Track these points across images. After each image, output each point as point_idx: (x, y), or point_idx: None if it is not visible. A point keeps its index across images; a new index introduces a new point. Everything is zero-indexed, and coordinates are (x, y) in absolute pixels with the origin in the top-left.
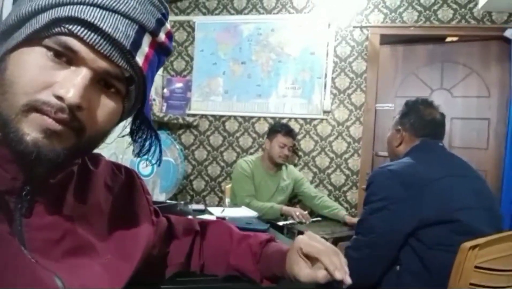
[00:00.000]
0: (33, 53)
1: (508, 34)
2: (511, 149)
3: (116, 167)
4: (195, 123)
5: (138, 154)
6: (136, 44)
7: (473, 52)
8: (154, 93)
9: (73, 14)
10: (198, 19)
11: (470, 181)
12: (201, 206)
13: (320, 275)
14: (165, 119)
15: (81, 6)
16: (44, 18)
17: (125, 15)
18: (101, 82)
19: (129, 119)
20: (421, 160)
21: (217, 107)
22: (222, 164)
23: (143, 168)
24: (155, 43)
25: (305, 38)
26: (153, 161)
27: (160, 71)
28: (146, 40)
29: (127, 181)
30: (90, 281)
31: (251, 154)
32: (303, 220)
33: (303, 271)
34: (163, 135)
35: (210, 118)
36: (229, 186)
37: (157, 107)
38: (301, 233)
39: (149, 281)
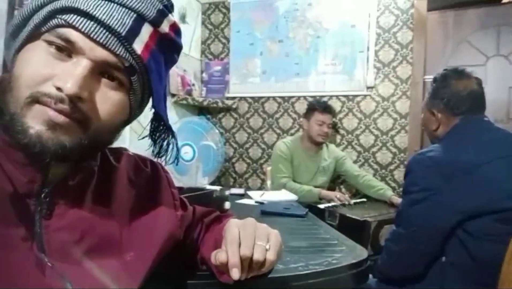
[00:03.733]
0: (35, 48)
1: None
2: None
3: (141, 161)
4: (234, 106)
5: (157, 155)
6: (133, 32)
7: None
8: (193, 78)
9: (68, 4)
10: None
11: None
12: (240, 191)
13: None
14: (205, 103)
15: None
16: (43, 12)
17: (121, 4)
18: (103, 74)
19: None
20: (463, 142)
21: (255, 89)
22: (263, 146)
23: (185, 153)
24: (157, 33)
25: (345, 10)
26: (170, 161)
27: (198, 55)
28: (146, 30)
29: (152, 175)
30: (105, 283)
31: (292, 134)
32: (345, 202)
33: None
34: (202, 120)
35: (249, 100)
36: (270, 168)
37: (197, 92)
38: (343, 216)
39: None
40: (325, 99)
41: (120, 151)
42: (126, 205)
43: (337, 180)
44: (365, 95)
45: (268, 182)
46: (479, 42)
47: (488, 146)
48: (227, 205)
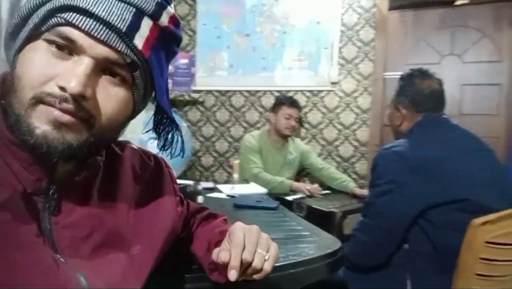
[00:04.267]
0: (36, 48)
1: None
2: None
3: (146, 155)
4: (200, 99)
5: (162, 148)
6: (134, 27)
7: (485, 15)
8: None
9: (66, 2)
10: None
11: (477, 154)
12: (210, 184)
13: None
14: (171, 96)
15: None
16: (41, 12)
17: None
18: (106, 71)
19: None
20: (426, 138)
21: (222, 82)
22: (230, 139)
23: (151, 146)
24: (157, 27)
25: (311, 7)
26: (176, 153)
27: None
28: (146, 24)
29: (156, 169)
30: (116, 277)
31: (258, 128)
32: (315, 194)
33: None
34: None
35: (215, 94)
36: (237, 161)
37: None
38: (310, 208)
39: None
40: (290, 94)
41: (124, 144)
42: (131, 198)
43: (301, 172)
44: (329, 91)
45: (235, 176)
46: (435, 41)
47: (448, 142)
48: (200, 199)
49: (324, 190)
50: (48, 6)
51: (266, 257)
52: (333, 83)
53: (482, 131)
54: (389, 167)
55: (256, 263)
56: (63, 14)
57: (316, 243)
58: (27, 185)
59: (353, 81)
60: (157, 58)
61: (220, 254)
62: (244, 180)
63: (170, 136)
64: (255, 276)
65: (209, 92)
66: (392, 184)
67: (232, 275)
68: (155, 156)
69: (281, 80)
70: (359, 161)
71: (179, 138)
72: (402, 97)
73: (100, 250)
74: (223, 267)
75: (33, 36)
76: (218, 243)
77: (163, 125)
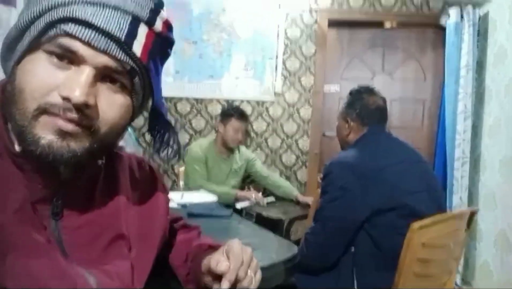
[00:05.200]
0: (36, 59)
1: (442, 22)
2: (442, 128)
3: (142, 161)
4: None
5: (158, 151)
6: (131, 35)
7: (411, 38)
8: None
9: (66, 14)
10: None
11: (414, 164)
12: None
13: (213, 263)
14: None
15: (73, 6)
16: (40, 23)
17: (116, 8)
18: (105, 79)
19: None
20: (370, 149)
21: (168, 88)
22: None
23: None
24: (152, 33)
25: (256, 19)
26: (172, 156)
27: None
28: (142, 31)
29: (150, 176)
30: (122, 279)
31: (204, 136)
32: (260, 202)
33: (211, 260)
34: None
35: None
36: (182, 168)
37: None
38: (259, 215)
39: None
40: (237, 103)
41: (120, 149)
42: (129, 201)
43: (246, 179)
44: (273, 101)
45: (181, 183)
46: (368, 59)
47: (389, 153)
48: None
49: (268, 196)
50: (47, 18)
51: (253, 281)
52: (277, 94)
53: (407, 142)
54: (339, 175)
55: (245, 283)
56: (63, 26)
57: (274, 249)
58: (32, 194)
59: (295, 93)
60: (154, 63)
61: (220, 265)
62: (189, 188)
63: (165, 138)
64: None
65: None
66: (342, 190)
67: (225, 285)
68: (148, 163)
69: (228, 89)
70: (301, 169)
71: (176, 141)
72: (350, 110)
73: (107, 252)
74: (215, 276)
75: (32, 47)
76: (195, 257)
77: (159, 128)
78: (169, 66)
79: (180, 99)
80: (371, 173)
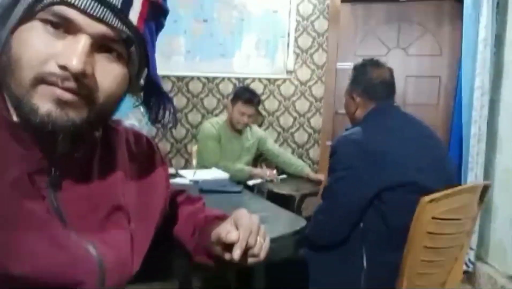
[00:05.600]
0: (31, 28)
1: None
2: (459, 105)
3: (138, 135)
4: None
5: (154, 121)
6: (128, 3)
7: (427, 11)
8: None
9: None
10: None
11: (423, 140)
12: (172, 170)
13: (223, 233)
14: None
15: None
16: None
17: None
18: (102, 48)
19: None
20: (379, 126)
21: (179, 68)
22: (187, 126)
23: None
24: (147, 1)
25: None
26: (169, 125)
27: None
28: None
29: (148, 150)
30: (122, 251)
31: (216, 115)
32: (274, 179)
33: (221, 230)
34: (125, 98)
35: (172, 79)
36: (195, 147)
37: None
38: (271, 192)
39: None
40: (248, 81)
41: (118, 122)
42: (127, 174)
43: (259, 158)
44: (285, 79)
45: (194, 162)
46: (383, 34)
47: (397, 129)
48: None
49: (280, 174)
50: None
51: (263, 246)
52: (289, 72)
53: (422, 119)
54: (346, 153)
55: (256, 249)
56: None
57: (283, 222)
58: (30, 164)
59: (308, 70)
60: (150, 33)
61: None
62: (203, 166)
63: (161, 108)
64: (251, 260)
65: (165, 77)
66: (349, 169)
67: (237, 254)
68: (146, 138)
69: (239, 67)
70: (313, 147)
71: (172, 109)
72: (355, 86)
73: (106, 223)
74: (225, 245)
75: (27, 16)
76: (202, 228)
77: (153, 98)
78: (180, 45)
79: (192, 78)
80: (378, 151)
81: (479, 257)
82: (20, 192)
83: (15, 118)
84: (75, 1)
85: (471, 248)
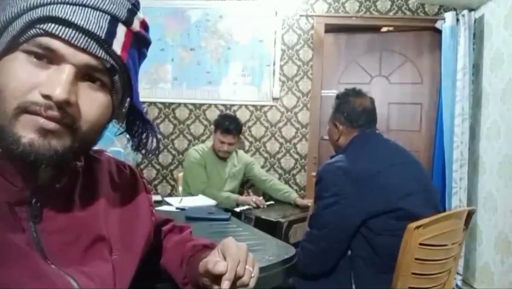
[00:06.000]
0: (15, 59)
1: (438, 26)
2: (440, 130)
3: (121, 164)
4: (145, 115)
5: (137, 148)
6: (111, 34)
7: (408, 41)
8: None
9: (45, 13)
10: (143, 3)
11: (407, 166)
12: (158, 197)
13: (210, 265)
14: None
15: (52, 5)
16: (18, 24)
17: (95, 8)
18: (85, 77)
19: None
20: (362, 152)
21: (166, 94)
22: (174, 152)
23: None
24: (130, 32)
25: (253, 25)
26: (152, 153)
27: None
28: (121, 30)
29: (131, 178)
30: (103, 281)
31: (203, 141)
32: (260, 206)
33: (208, 259)
34: (111, 124)
35: (159, 106)
36: (181, 174)
37: None
38: (258, 218)
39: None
40: (235, 107)
41: (100, 152)
42: (111, 205)
43: (245, 184)
44: (271, 106)
45: (180, 188)
46: (365, 63)
47: (382, 156)
48: None
49: (267, 200)
50: (26, 18)
51: (252, 275)
52: (275, 99)
53: (406, 145)
54: (332, 180)
55: (245, 279)
56: (42, 25)
57: (272, 250)
58: (10, 195)
59: (293, 97)
60: (133, 62)
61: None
62: (188, 193)
63: (144, 136)
64: None
65: (152, 104)
66: (336, 196)
67: (226, 285)
68: (129, 166)
69: (225, 95)
70: (299, 173)
71: (155, 138)
72: (338, 114)
73: (88, 255)
74: (214, 277)
75: (10, 48)
76: (190, 258)
77: (137, 126)
78: (167, 73)
79: (179, 105)
80: (364, 178)
81: (466, 282)
82: (0, 223)
83: None
84: (59, 33)
85: (458, 273)
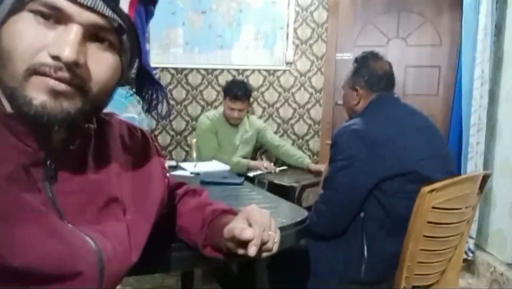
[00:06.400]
0: (22, 20)
1: None
2: (459, 94)
3: (132, 127)
4: (156, 77)
5: (148, 110)
6: None
7: (427, 1)
8: None
9: None
10: None
11: (423, 130)
12: (172, 162)
13: (237, 231)
14: None
15: None
16: None
17: None
18: (93, 38)
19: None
20: (379, 116)
21: (178, 60)
22: (187, 118)
23: None
24: None
25: None
26: (163, 114)
27: None
28: None
29: (143, 142)
30: (120, 242)
31: (216, 107)
32: (272, 171)
33: (233, 225)
34: (123, 90)
35: (171, 71)
36: (195, 140)
37: None
38: (271, 183)
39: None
40: (247, 72)
41: (111, 115)
42: (124, 167)
43: (258, 149)
44: (285, 70)
45: (194, 154)
46: (382, 24)
47: (398, 119)
48: None
49: (280, 166)
50: None
51: (275, 240)
52: (288, 63)
53: (423, 110)
54: (347, 143)
55: (269, 244)
56: None
57: (285, 213)
58: (25, 157)
59: (307, 62)
60: (140, 21)
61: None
62: (202, 159)
63: (154, 97)
64: (264, 254)
65: (164, 69)
66: (351, 159)
67: (253, 251)
68: (141, 129)
69: (238, 59)
70: (313, 138)
71: (165, 99)
72: (358, 78)
73: (102, 215)
74: (239, 243)
75: (16, 8)
76: (211, 222)
77: (147, 87)
78: (179, 38)
79: (191, 70)
80: (379, 141)
81: (478, 246)
82: (16, 184)
83: (9, 109)
84: None
85: (470, 237)
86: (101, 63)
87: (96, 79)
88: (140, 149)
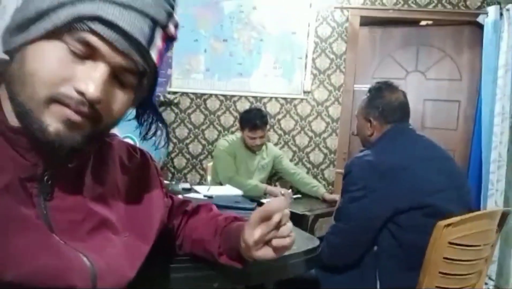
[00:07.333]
0: (52, 47)
1: (480, 20)
2: (478, 130)
3: (132, 148)
4: (175, 101)
5: (144, 137)
6: (151, 40)
7: (447, 36)
8: None
9: (92, 12)
10: None
11: (439, 162)
12: (186, 185)
13: (266, 206)
14: None
15: (100, 3)
16: (65, 14)
17: (138, 11)
18: (116, 77)
19: None
20: (394, 146)
21: (198, 85)
22: (204, 142)
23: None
24: (166, 35)
25: (287, 17)
26: (161, 144)
27: None
28: (158, 34)
29: (142, 162)
30: (113, 259)
31: (232, 132)
32: (288, 198)
33: (251, 231)
34: None
35: (191, 96)
36: (210, 164)
37: None
38: None
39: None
40: (265, 100)
41: (112, 136)
42: (121, 188)
43: (273, 177)
44: (302, 99)
45: (209, 178)
46: (401, 58)
47: (413, 151)
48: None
49: (295, 194)
50: (72, 11)
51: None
52: (306, 92)
53: (441, 144)
54: (360, 174)
55: (287, 240)
56: (89, 23)
57: (296, 240)
58: (22, 170)
59: (325, 91)
60: (161, 62)
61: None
62: (217, 183)
63: (153, 127)
64: (281, 252)
65: (184, 94)
66: (364, 190)
67: (277, 217)
68: (141, 150)
69: (256, 87)
70: (328, 168)
71: (164, 130)
72: (372, 109)
73: (95, 234)
74: (254, 242)
75: (50, 35)
76: (224, 228)
77: (146, 115)
78: (200, 64)
79: (210, 95)
80: (394, 172)
81: (498, 288)
82: (10, 197)
83: (12, 121)
84: (104, 34)
85: (490, 279)
86: (119, 102)
87: (110, 114)
88: (139, 169)
